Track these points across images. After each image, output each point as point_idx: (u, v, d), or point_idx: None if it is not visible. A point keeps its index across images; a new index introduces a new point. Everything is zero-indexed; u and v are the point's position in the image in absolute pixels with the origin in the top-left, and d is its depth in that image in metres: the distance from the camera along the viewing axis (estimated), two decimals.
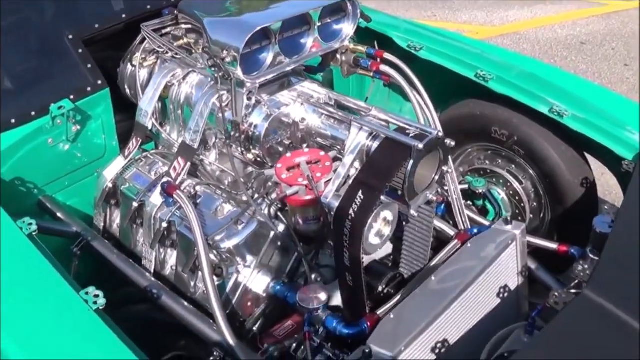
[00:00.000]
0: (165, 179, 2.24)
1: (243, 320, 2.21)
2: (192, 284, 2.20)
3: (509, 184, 2.87)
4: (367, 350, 1.83)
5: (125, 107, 2.64)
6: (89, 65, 2.46)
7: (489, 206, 2.83)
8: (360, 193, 1.96)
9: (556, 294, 1.90)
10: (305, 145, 2.30)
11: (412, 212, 2.06)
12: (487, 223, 2.51)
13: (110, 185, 2.43)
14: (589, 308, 1.78)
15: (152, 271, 2.31)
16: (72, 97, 2.39)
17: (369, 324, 2.00)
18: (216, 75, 2.13)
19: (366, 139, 2.07)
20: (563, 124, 2.54)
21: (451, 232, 2.46)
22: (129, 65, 2.55)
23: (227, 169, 2.34)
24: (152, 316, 2.22)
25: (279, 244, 2.21)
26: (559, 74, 2.88)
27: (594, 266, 2.05)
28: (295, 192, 2.09)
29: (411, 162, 1.95)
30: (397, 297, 2.11)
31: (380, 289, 2.20)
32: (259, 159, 2.29)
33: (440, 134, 2.00)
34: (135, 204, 2.31)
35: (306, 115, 2.27)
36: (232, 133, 2.23)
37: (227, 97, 2.21)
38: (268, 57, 2.21)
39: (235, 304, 2.18)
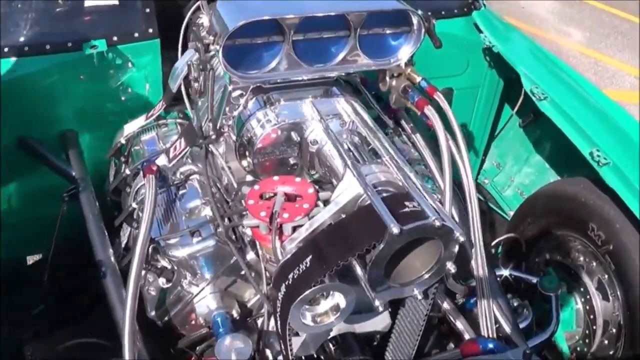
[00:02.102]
0: (152, 158, 2.01)
1: (180, 335, 1.97)
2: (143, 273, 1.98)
3: (588, 297, 2.24)
4: None
5: None
6: (147, 10, 2.26)
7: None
8: (308, 259, 1.57)
9: None
10: (313, 173, 1.92)
11: (377, 304, 1.62)
12: (520, 343, 1.96)
13: (123, 141, 2.25)
14: None
15: (123, 245, 2.13)
16: (115, 38, 2.23)
17: None
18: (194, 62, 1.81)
19: (358, 193, 1.65)
20: None
21: (467, 335, 1.96)
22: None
23: (227, 168, 2.03)
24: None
25: (242, 273, 1.90)
26: None
27: None
28: (254, 224, 1.74)
29: (381, 246, 1.50)
30: None
31: None
32: (252, 169, 1.95)
33: (440, 223, 1.50)
34: (127, 171, 2.12)
35: (321, 137, 1.86)
36: (209, 132, 1.91)
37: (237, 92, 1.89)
38: (277, 56, 1.80)
39: (174, 316, 1.95)
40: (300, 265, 1.57)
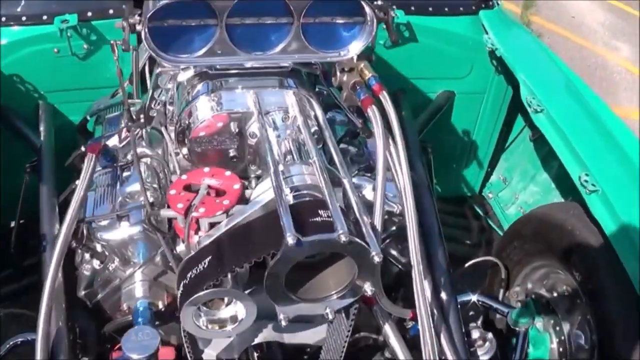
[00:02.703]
0: (104, 137, 1.95)
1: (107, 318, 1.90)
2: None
3: (563, 337, 2.02)
4: None
5: None
6: None
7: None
8: (208, 259, 1.46)
9: None
10: (254, 168, 1.80)
11: (280, 317, 1.49)
12: None
13: (88, 118, 2.21)
14: None
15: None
16: (90, 14, 2.19)
17: None
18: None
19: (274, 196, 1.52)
20: None
21: None
22: None
23: (173, 154, 1.93)
24: None
25: (171, 264, 1.81)
26: None
27: None
28: (172, 215, 1.64)
29: (278, 256, 1.37)
30: None
31: None
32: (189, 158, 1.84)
33: (346, 239, 1.35)
34: (82, 148, 2.07)
35: (259, 131, 1.73)
36: (140, 115, 1.81)
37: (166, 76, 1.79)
38: (210, 41, 1.67)
39: (102, 299, 1.89)
40: (199, 265, 1.47)
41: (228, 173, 1.68)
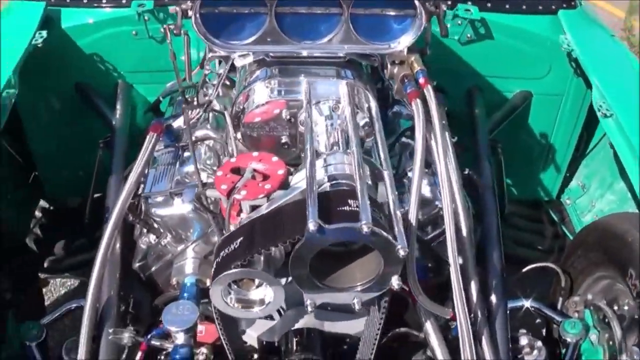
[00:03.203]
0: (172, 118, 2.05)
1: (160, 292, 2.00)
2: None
3: (614, 353, 1.91)
4: None
5: None
6: None
7: None
8: (239, 240, 1.51)
9: None
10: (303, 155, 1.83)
11: (307, 302, 1.52)
12: None
13: (161, 98, 2.32)
14: None
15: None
16: None
17: None
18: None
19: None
20: None
21: None
22: None
23: (232, 137, 1.98)
24: None
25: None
26: None
27: None
28: (218, 196, 1.70)
29: (301, 242, 1.40)
30: None
31: None
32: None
33: (369, 229, 1.36)
34: None
35: (305, 120, 1.75)
36: (190, 98, 1.87)
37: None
38: (261, 29, 1.73)
39: (155, 273, 1.99)
40: (231, 245, 1.52)
41: (275, 158, 1.72)
